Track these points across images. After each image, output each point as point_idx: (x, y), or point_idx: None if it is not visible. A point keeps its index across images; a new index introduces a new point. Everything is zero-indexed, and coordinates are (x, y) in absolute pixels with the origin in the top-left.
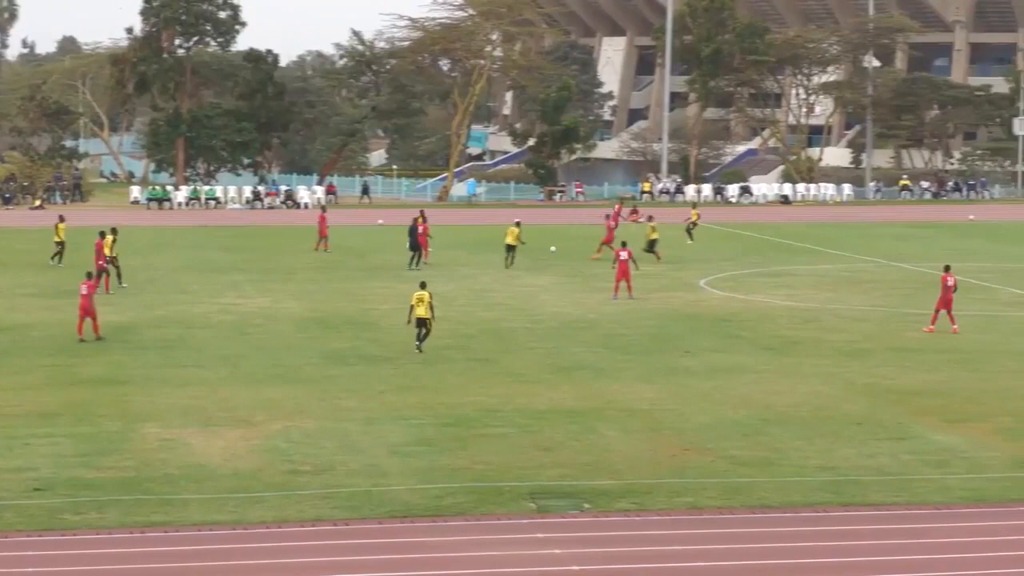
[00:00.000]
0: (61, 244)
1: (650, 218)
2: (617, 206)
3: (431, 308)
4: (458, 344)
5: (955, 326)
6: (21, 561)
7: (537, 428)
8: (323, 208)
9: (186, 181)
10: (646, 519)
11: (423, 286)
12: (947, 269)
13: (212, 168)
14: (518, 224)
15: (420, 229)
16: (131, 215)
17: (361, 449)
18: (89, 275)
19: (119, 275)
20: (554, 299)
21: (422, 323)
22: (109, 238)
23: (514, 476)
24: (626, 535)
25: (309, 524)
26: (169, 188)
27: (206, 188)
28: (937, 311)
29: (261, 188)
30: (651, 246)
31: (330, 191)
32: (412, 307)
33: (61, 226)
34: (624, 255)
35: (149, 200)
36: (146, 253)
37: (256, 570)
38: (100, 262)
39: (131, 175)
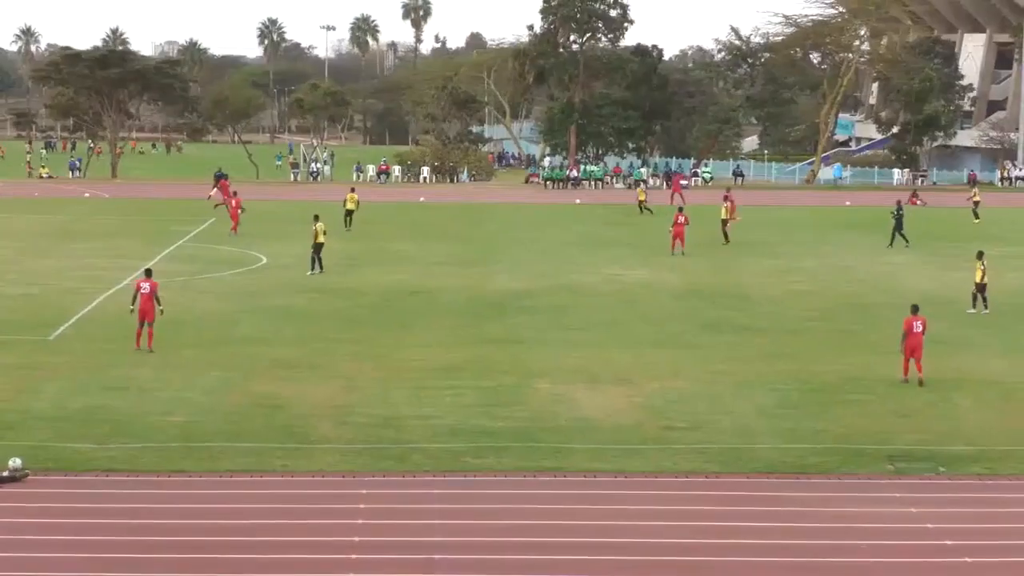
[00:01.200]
0: (350, 213)
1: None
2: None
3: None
4: (822, 316)
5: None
6: (427, 498)
7: (895, 396)
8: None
9: (577, 164)
10: (998, 483)
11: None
12: (915, 310)
13: (601, 152)
14: (726, 196)
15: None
16: (529, 193)
17: (731, 410)
18: (148, 272)
19: (320, 262)
20: (913, 277)
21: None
22: (321, 225)
23: (874, 439)
24: (979, 496)
25: (683, 476)
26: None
27: (594, 169)
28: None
29: (644, 170)
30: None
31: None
32: None
33: (352, 195)
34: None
35: (546, 180)
36: (541, 227)
37: (635, 515)
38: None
39: (531, 158)
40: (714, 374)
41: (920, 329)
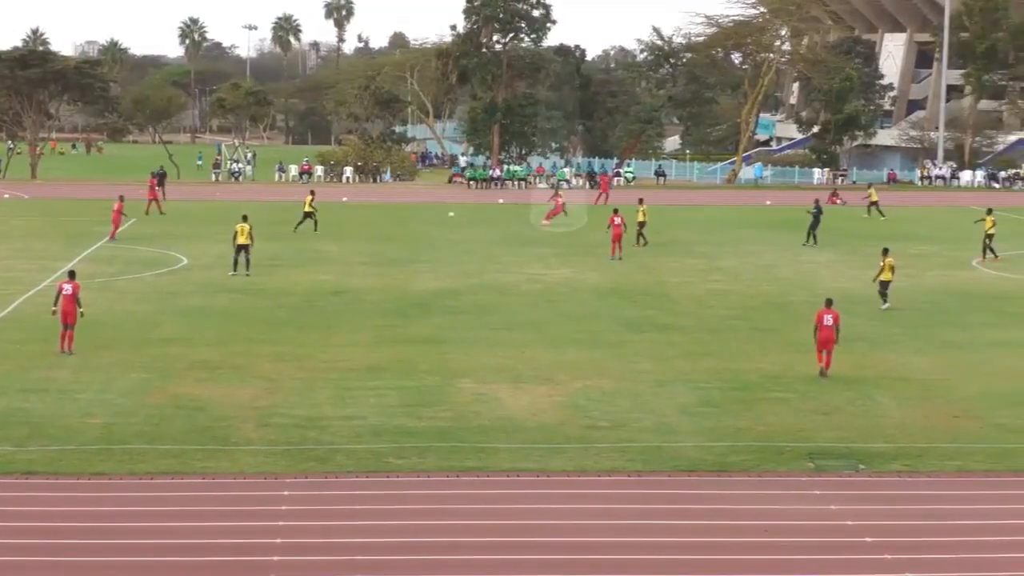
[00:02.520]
0: (309, 214)
1: (989, 211)
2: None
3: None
4: (743, 315)
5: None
6: (350, 499)
7: (816, 394)
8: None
9: (500, 164)
10: (917, 480)
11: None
12: (829, 304)
13: (524, 152)
14: (641, 201)
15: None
16: (453, 193)
17: (653, 408)
18: (72, 274)
19: (248, 263)
20: (834, 275)
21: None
22: (245, 225)
23: (794, 437)
24: (898, 494)
25: (605, 474)
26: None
27: (517, 169)
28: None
29: (567, 170)
30: (989, 240)
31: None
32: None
33: (309, 199)
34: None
35: (470, 180)
36: (464, 228)
37: (557, 514)
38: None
39: (453, 158)
40: (636, 373)
41: (830, 323)
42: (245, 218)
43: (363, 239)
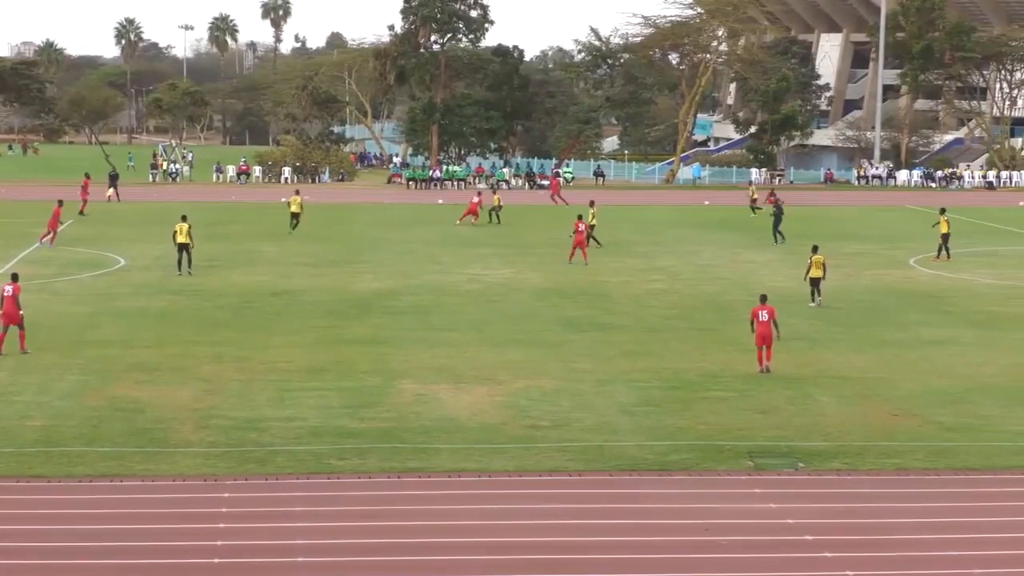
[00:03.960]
0: (295, 216)
1: (942, 211)
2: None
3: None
4: (683, 315)
5: (768, 362)
6: (291, 501)
7: (755, 393)
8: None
9: (439, 164)
10: (857, 478)
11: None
12: (763, 300)
13: (463, 152)
14: (592, 203)
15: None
16: (394, 194)
17: (594, 408)
18: (15, 276)
19: (190, 261)
20: (772, 274)
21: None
22: (184, 225)
23: (734, 436)
24: (838, 492)
25: (547, 474)
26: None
27: (456, 169)
28: (757, 347)
29: (506, 170)
30: (945, 240)
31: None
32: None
33: (295, 198)
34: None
35: (409, 180)
36: (404, 228)
37: (499, 514)
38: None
39: (391, 158)
40: (577, 372)
41: (766, 318)
42: (184, 218)
43: (302, 240)
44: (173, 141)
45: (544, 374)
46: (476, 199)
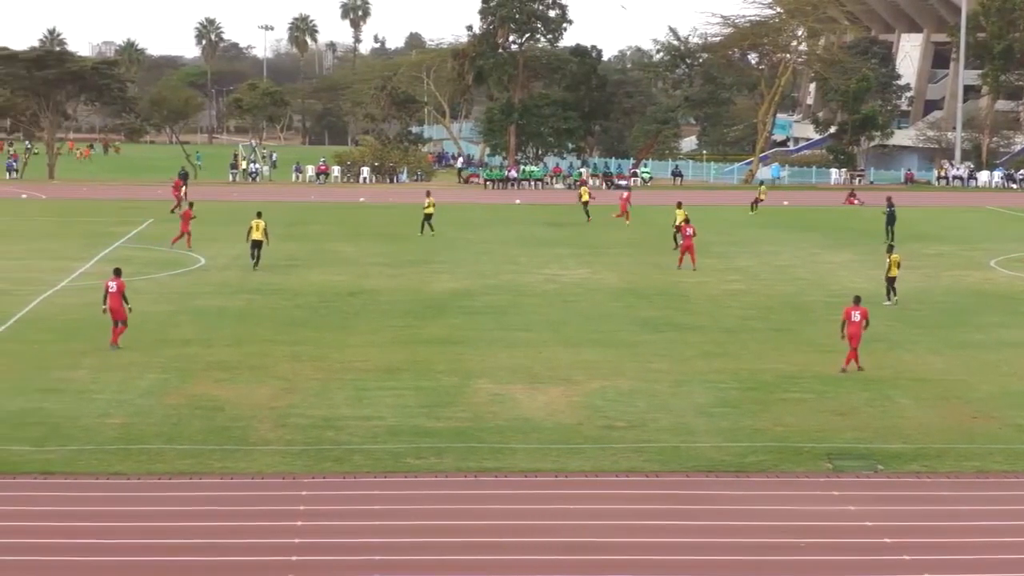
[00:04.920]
0: (428, 216)
1: None
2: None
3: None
4: (760, 315)
5: (858, 364)
6: (368, 500)
7: (833, 394)
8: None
9: (517, 164)
10: (936, 481)
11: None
12: (857, 301)
13: (540, 152)
14: (680, 205)
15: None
16: (469, 193)
17: (670, 408)
18: (118, 271)
19: (259, 259)
20: (851, 275)
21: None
22: (260, 222)
23: (812, 438)
24: (917, 495)
25: (623, 474)
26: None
27: (534, 169)
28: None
29: (584, 170)
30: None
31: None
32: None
33: (430, 200)
34: (689, 231)
35: (487, 180)
36: (481, 228)
37: (575, 514)
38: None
39: (470, 158)
40: (653, 372)
41: (858, 319)
42: (259, 215)
43: (379, 240)
44: (253, 141)
45: (620, 374)
46: (625, 195)
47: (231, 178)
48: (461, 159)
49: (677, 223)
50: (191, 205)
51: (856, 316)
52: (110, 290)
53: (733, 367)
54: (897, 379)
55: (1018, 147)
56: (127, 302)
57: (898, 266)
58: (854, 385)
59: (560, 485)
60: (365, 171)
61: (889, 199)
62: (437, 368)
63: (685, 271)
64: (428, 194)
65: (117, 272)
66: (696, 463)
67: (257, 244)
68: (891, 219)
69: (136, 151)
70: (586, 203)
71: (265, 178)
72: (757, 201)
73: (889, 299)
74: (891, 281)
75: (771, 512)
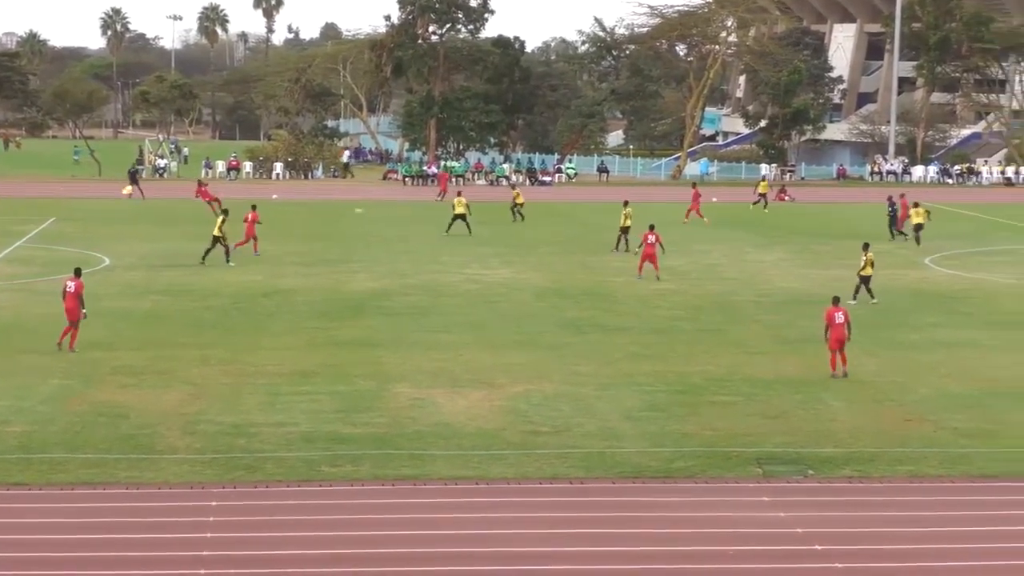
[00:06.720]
0: (461, 216)
1: (916, 204)
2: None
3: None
4: (689, 316)
5: (844, 366)
6: (281, 510)
7: (763, 397)
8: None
9: (437, 159)
10: (868, 486)
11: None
12: (836, 301)
13: (462, 147)
14: (626, 204)
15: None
16: (389, 190)
17: (596, 413)
18: (77, 271)
19: (206, 253)
20: (782, 274)
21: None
22: (222, 217)
23: (741, 442)
24: (848, 500)
25: (547, 481)
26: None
27: (455, 165)
28: (832, 351)
29: (506, 166)
30: (917, 229)
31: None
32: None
33: (460, 199)
34: (651, 239)
35: (406, 176)
36: (403, 225)
37: (497, 523)
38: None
39: (387, 153)
40: (578, 376)
41: (842, 320)
42: (226, 211)
43: (294, 238)
44: (160, 136)
45: (544, 377)
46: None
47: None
48: (348, 153)
49: (624, 224)
50: (224, 210)
51: (840, 318)
52: (68, 290)
53: (661, 369)
54: (829, 381)
55: (954, 141)
56: (83, 306)
57: (872, 265)
58: (785, 388)
59: (481, 493)
60: (278, 167)
61: (890, 198)
62: (354, 372)
63: (614, 270)
64: (459, 193)
65: (77, 272)
66: (622, 469)
67: (217, 240)
68: (893, 217)
69: (38, 146)
70: (520, 205)
71: (173, 174)
72: (763, 197)
73: (854, 298)
74: (865, 280)
75: (698, 519)
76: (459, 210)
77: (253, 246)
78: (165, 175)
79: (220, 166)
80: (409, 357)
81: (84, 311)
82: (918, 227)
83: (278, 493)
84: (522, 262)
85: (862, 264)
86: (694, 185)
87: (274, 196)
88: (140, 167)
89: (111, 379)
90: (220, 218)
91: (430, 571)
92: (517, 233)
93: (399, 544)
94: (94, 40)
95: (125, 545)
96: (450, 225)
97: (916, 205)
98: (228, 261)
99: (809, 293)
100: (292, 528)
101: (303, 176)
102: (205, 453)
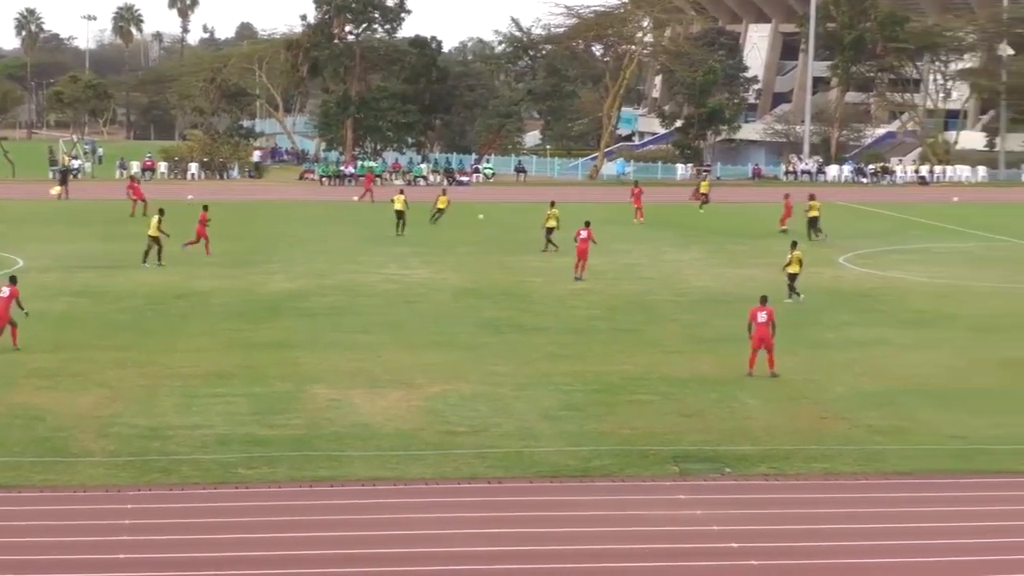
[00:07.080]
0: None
1: (812, 196)
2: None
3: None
4: (606, 315)
5: (772, 368)
6: (196, 512)
7: (680, 396)
8: None
9: (354, 159)
10: (784, 483)
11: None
12: (764, 301)
13: (379, 147)
14: (553, 204)
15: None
16: (306, 190)
17: (513, 412)
18: (12, 279)
19: (146, 254)
20: (698, 273)
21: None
22: (156, 218)
23: (658, 441)
24: (764, 498)
25: (465, 481)
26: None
27: (372, 165)
28: (754, 350)
29: (424, 166)
30: (812, 223)
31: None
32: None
33: (400, 196)
34: (584, 234)
35: (322, 176)
36: (320, 225)
37: (415, 523)
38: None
39: (304, 153)
40: (496, 376)
41: (764, 319)
42: (161, 211)
43: (211, 239)
44: (74, 136)
45: (462, 378)
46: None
47: (51, 175)
48: (258, 153)
49: (548, 224)
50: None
51: (763, 317)
52: (1, 295)
53: (578, 369)
54: (745, 379)
55: (868, 141)
56: (22, 307)
57: (800, 263)
58: (701, 387)
59: (399, 493)
60: (193, 167)
61: (812, 195)
62: (270, 373)
63: (532, 270)
64: (400, 191)
65: (12, 280)
66: (540, 468)
67: (154, 240)
68: (813, 218)
69: None
70: (440, 210)
71: (87, 174)
72: (699, 195)
73: (790, 297)
74: (791, 277)
75: (616, 518)
76: (398, 207)
77: (205, 247)
78: (79, 176)
79: (135, 166)
80: (326, 358)
81: (25, 311)
82: (813, 220)
83: (194, 496)
84: (440, 262)
85: (787, 261)
86: (636, 183)
87: (189, 197)
88: (76, 168)
89: (26, 382)
90: (156, 218)
91: (348, 572)
92: (435, 233)
93: (316, 546)
94: (8, 40)
95: (40, 548)
96: (399, 227)
97: (812, 198)
98: (160, 262)
99: (724, 292)
100: (208, 531)
101: (219, 176)
102: (120, 456)
